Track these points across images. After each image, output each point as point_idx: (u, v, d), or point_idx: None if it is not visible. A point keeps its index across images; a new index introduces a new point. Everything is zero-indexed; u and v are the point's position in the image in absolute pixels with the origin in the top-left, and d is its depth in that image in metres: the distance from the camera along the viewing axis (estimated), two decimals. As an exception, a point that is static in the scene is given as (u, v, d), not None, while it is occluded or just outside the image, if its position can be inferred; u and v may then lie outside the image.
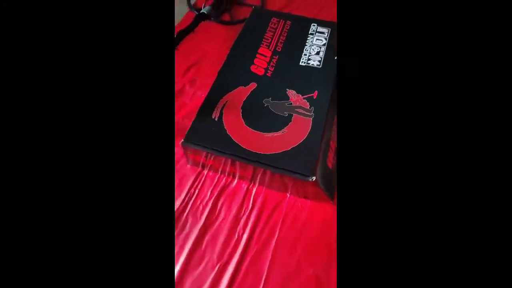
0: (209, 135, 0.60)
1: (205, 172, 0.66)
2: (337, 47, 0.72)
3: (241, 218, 0.57)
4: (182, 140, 0.59)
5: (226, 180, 0.67)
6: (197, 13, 0.94)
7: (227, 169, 0.63)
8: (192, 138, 0.60)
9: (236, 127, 0.61)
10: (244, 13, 0.96)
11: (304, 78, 0.70)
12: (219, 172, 0.66)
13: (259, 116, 0.63)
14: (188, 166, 0.66)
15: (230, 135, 0.60)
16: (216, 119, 0.63)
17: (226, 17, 0.97)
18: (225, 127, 0.61)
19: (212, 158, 0.62)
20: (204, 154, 0.60)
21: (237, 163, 0.59)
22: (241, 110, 0.64)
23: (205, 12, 0.92)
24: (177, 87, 0.81)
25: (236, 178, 0.64)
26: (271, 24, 0.84)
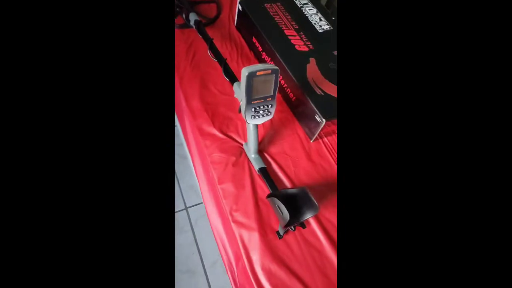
0: (331, 107, 0.73)
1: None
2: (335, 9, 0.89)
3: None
4: (323, 119, 0.71)
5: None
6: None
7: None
8: (326, 114, 0.73)
9: (333, 90, 0.77)
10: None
11: (331, 41, 0.90)
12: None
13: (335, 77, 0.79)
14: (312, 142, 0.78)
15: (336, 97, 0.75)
16: (322, 94, 0.77)
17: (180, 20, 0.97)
18: (331, 95, 0.77)
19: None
20: (334, 121, 0.74)
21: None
22: (326, 80, 0.80)
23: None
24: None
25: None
26: (269, 10, 0.94)
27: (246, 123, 0.65)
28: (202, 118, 0.78)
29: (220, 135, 0.75)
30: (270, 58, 0.88)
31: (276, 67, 0.59)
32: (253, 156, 0.72)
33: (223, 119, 0.78)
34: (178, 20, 0.97)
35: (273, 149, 0.76)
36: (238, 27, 1.01)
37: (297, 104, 0.82)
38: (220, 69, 0.75)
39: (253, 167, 0.72)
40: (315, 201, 0.58)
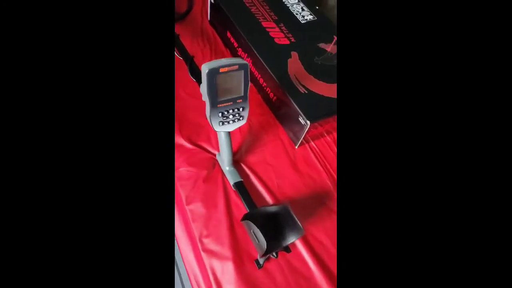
0: (317, 107, 0.63)
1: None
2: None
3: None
4: (307, 121, 0.60)
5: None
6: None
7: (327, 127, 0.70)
8: (311, 116, 0.62)
9: (319, 88, 0.67)
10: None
11: (315, 31, 0.80)
12: (324, 134, 0.71)
13: (322, 72, 0.70)
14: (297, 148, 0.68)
15: (322, 95, 0.66)
16: (306, 92, 0.66)
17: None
18: (317, 93, 0.66)
19: (323, 123, 0.66)
20: (321, 122, 0.64)
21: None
22: (311, 76, 0.70)
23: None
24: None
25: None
26: (245, 1, 0.85)
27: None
28: (168, 126, 0.67)
29: (189, 146, 0.65)
30: (246, 55, 0.78)
31: (245, 62, 0.49)
32: (227, 168, 0.62)
33: (192, 126, 0.68)
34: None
35: (252, 158, 0.65)
36: (211, 22, 0.91)
37: (278, 105, 0.72)
38: (187, 69, 0.65)
39: (228, 181, 0.62)
40: (298, 222, 0.48)
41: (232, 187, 0.60)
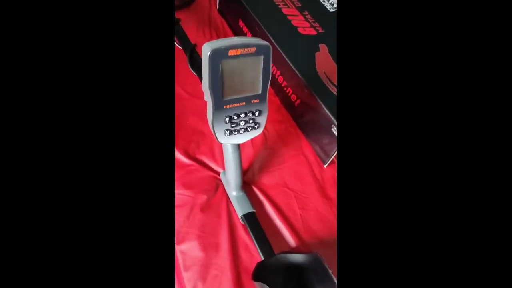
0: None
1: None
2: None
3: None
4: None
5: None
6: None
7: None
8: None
9: None
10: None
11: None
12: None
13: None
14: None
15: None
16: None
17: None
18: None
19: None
20: None
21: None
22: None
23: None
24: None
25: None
26: (263, -15, 0.71)
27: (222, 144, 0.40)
28: (159, 134, 0.52)
29: (185, 160, 0.49)
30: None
31: (265, 43, 0.34)
32: (234, 194, 0.46)
33: (192, 134, 0.52)
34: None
35: (268, 180, 0.50)
36: (221, 11, 0.77)
37: (302, 111, 0.57)
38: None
39: (235, 211, 0.46)
40: (334, 277, 0.33)
41: (241, 220, 0.44)
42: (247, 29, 0.67)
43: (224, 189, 0.47)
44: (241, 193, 0.46)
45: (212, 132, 0.36)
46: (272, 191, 0.49)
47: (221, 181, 0.48)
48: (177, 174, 0.47)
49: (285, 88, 0.60)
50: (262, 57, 0.33)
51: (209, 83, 0.32)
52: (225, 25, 0.73)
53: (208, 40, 0.76)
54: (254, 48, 0.32)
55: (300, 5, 0.68)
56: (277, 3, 0.67)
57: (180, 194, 0.45)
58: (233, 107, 0.35)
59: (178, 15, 0.65)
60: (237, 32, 0.72)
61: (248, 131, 0.38)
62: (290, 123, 0.58)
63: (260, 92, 0.36)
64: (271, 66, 0.35)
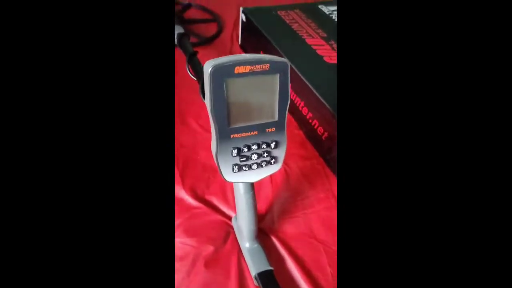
0: None
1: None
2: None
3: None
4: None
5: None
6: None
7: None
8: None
9: None
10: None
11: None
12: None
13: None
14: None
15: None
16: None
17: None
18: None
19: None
20: None
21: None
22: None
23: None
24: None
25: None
26: (284, 18, 0.69)
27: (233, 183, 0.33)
28: (166, 171, 0.47)
29: (191, 201, 0.42)
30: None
31: (282, 59, 0.28)
32: (247, 245, 0.38)
33: (202, 171, 0.46)
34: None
35: (290, 228, 0.41)
36: (243, 46, 0.75)
37: (331, 145, 0.49)
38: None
39: (248, 268, 0.37)
40: None
41: (254, 281, 0.35)
42: (268, 61, 0.64)
43: (236, 237, 0.39)
44: (256, 245, 0.37)
45: (217, 166, 0.30)
46: (296, 243, 0.39)
47: (232, 228, 0.40)
48: (180, 218, 0.40)
49: (310, 120, 0.53)
50: (277, 76, 0.27)
51: (211, 107, 0.26)
52: (247, 59, 0.71)
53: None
54: (268, 65, 0.26)
55: (325, 35, 0.64)
56: (300, 34, 0.64)
57: (181, 243, 0.38)
58: (242, 136, 0.28)
59: (201, 52, 0.64)
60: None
61: (262, 166, 0.31)
62: (317, 160, 0.51)
63: (276, 119, 0.29)
64: (289, 87, 0.29)
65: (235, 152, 0.29)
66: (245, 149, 0.29)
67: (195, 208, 0.42)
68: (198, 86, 0.51)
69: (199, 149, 0.49)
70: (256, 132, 0.29)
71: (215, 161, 0.29)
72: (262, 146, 0.30)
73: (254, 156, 0.30)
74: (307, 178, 0.48)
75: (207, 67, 0.25)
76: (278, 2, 0.78)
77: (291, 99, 0.57)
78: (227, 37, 0.78)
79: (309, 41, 0.61)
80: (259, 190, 0.45)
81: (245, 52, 0.73)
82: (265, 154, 0.30)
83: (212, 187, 0.44)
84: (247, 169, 0.30)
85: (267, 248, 0.38)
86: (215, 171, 0.47)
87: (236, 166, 0.30)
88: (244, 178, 0.31)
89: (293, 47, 0.59)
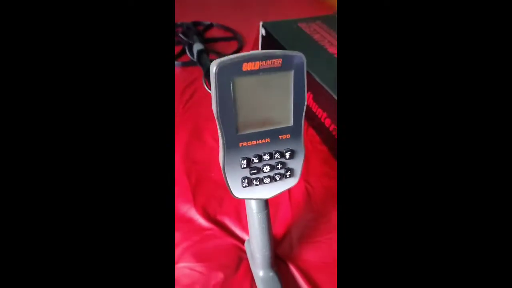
0: None
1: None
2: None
3: None
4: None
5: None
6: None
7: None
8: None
9: None
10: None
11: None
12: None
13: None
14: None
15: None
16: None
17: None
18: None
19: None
20: None
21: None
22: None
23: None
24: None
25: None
26: (305, 29, 0.67)
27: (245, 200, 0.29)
28: (178, 188, 0.43)
29: (203, 222, 0.38)
30: (310, 91, 0.55)
31: (297, 53, 0.25)
32: (261, 274, 0.32)
33: (215, 188, 0.42)
34: (184, 58, 0.74)
35: (312, 255, 0.36)
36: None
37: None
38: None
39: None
40: None
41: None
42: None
43: (249, 263, 0.35)
44: (271, 273, 0.32)
45: (225, 180, 0.26)
46: (318, 272, 0.34)
47: (245, 253, 0.36)
48: (190, 240, 0.36)
49: (333, 133, 0.49)
50: (292, 73, 0.24)
51: (217, 111, 0.23)
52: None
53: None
54: (280, 60, 0.23)
55: (349, 45, 0.61)
56: (321, 44, 0.61)
57: (189, 269, 0.33)
58: (252, 145, 0.25)
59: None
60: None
61: (276, 180, 0.27)
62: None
63: (291, 123, 0.25)
64: (306, 86, 0.25)
65: (244, 163, 0.25)
66: (256, 160, 0.25)
67: (206, 229, 0.38)
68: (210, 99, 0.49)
69: (213, 167, 0.46)
70: (268, 140, 0.25)
71: (223, 174, 0.26)
72: (275, 156, 0.26)
73: (266, 168, 0.26)
74: (332, 199, 0.43)
75: (213, 67, 0.22)
76: (298, 15, 0.77)
77: (312, 111, 0.54)
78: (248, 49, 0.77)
79: (331, 50, 0.58)
80: (276, 211, 0.40)
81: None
82: (279, 166, 0.26)
83: (225, 206, 0.40)
84: (258, 183, 0.26)
85: (284, 278, 0.33)
86: (228, 191, 0.43)
87: (246, 180, 0.26)
88: (256, 194, 0.27)
89: (315, 56, 0.56)
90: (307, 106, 0.52)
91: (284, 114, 0.25)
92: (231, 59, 0.23)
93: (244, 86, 0.23)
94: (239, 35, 0.85)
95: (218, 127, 0.24)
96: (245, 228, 0.38)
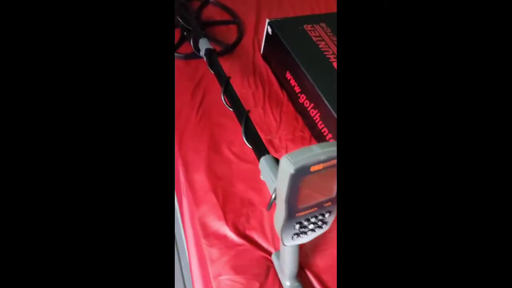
0: None
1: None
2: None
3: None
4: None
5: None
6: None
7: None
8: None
9: None
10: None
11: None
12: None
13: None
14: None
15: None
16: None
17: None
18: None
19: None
20: None
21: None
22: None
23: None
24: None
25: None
26: (311, 33, 0.68)
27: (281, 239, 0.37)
28: (207, 205, 0.48)
29: (235, 239, 0.46)
30: (312, 104, 0.60)
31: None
32: (288, 284, 0.42)
33: (241, 205, 0.49)
34: (184, 49, 0.72)
35: (320, 261, 0.45)
36: (265, 56, 0.75)
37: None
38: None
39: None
40: None
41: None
42: (295, 82, 0.64)
43: (276, 272, 0.44)
44: (296, 284, 0.42)
45: (279, 235, 0.33)
46: (326, 275, 0.45)
47: (271, 262, 0.45)
48: (227, 255, 0.44)
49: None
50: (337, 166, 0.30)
51: (286, 198, 0.29)
52: (270, 73, 0.71)
53: (253, 93, 0.72)
54: (335, 161, 0.29)
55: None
56: (327, 56, 0.64)
57: (231, 281, 0.42)
58: (305, 214, 0.32)
59: (223, 63, 0.63)
60: (282, 83, 0.69)
61: (314, 231, 0.35)
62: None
63: (333, 195, 0.33)
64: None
65: (297, 226, 0.32)
66: (305, 222, 0.33)
67: (239, 245, 0.46)
68: (231, 113, 0.52)
69: (236, 181, 0.51)
70: (316, 209, 0.32)
71: (278, 232, 0.33)
72: (319, 217, 0.33)
73: (310, 225, 0.34)
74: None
75: (286, 166, 0.28)
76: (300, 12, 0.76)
77: (318, 128, 0.59)
78: (249, 45, 0.76)
79: (336, 64, 0.62)
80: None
81: (268, 64, 0.72)
82: (319, 222, 0.34)
83: (251, 222, 0.48)
84: (303, 235, 0.34)
85: (303, 281, 0.43)
86: (253, 205, 0.50)
87: (296, 235, 0.33)
88: (299, 242, 0.35)
89: (322, 72, 0.59)
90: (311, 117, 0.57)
91: (330, 191, 0.32)
92: (303, 164, 0.27)
93: (309, 181, 0.29)
94: (238, 19, 0.81)
95: (279, 203, 0.30)
96: (269, 241, 0.47)
